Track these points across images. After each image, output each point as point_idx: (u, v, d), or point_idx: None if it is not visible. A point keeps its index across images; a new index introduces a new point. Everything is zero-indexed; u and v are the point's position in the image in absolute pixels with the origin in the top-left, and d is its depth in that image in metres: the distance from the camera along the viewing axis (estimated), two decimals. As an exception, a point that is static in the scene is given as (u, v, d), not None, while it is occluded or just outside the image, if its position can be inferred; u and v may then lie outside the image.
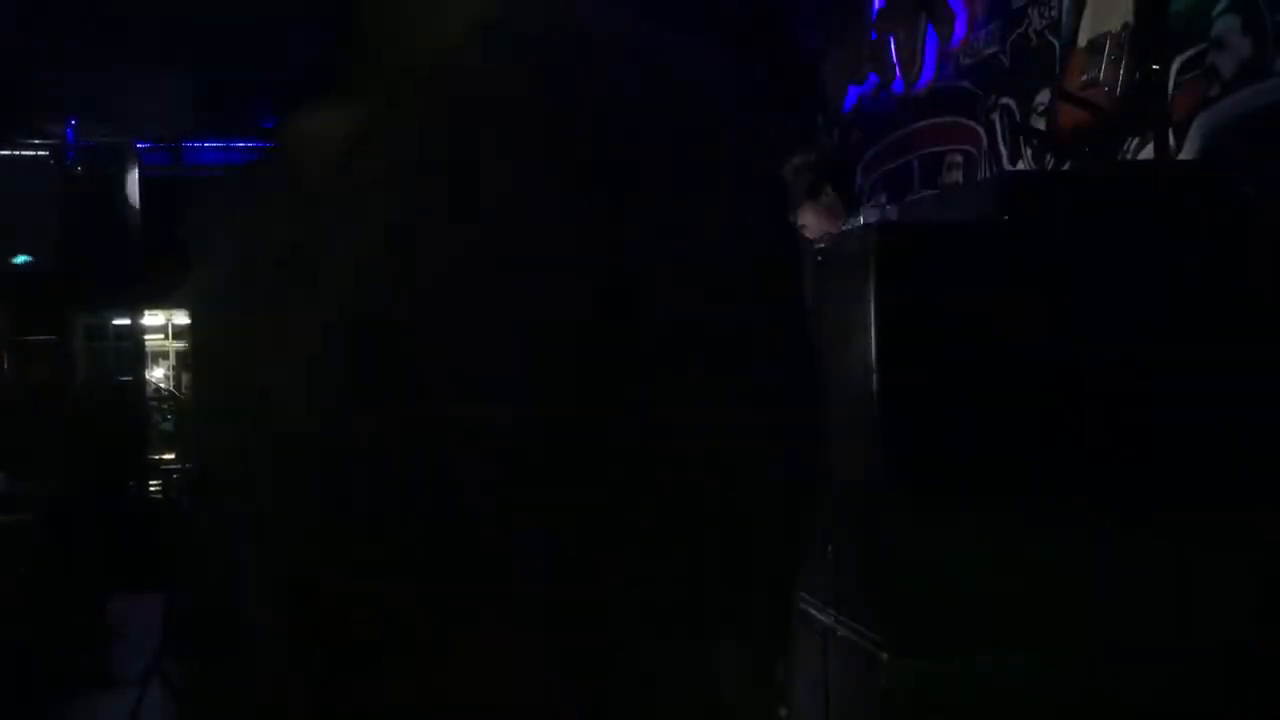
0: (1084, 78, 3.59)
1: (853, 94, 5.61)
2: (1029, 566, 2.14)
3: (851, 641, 2.26)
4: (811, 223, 3.70)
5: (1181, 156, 3.43)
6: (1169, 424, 2.19)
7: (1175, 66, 3.47)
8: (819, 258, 2.45)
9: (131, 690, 4.27)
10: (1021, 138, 4.25)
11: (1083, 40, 3.70)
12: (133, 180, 7.53)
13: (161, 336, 16.86)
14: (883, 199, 5.39)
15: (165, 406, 8.13)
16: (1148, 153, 3.54)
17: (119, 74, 6.89)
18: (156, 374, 15.16)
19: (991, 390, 2.15)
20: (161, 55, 6.92)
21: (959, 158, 4.76)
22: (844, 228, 3.63)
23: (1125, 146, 3.64)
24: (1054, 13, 4.10)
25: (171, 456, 7.35)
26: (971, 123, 4.65)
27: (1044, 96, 4.06)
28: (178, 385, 15.10)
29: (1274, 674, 2.17)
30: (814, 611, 2.48)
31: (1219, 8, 3.32)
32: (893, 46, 5.14)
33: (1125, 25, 3.47)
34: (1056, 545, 2.14)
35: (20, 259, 7.13)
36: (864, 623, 2.21)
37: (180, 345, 17.74)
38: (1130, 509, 2.16)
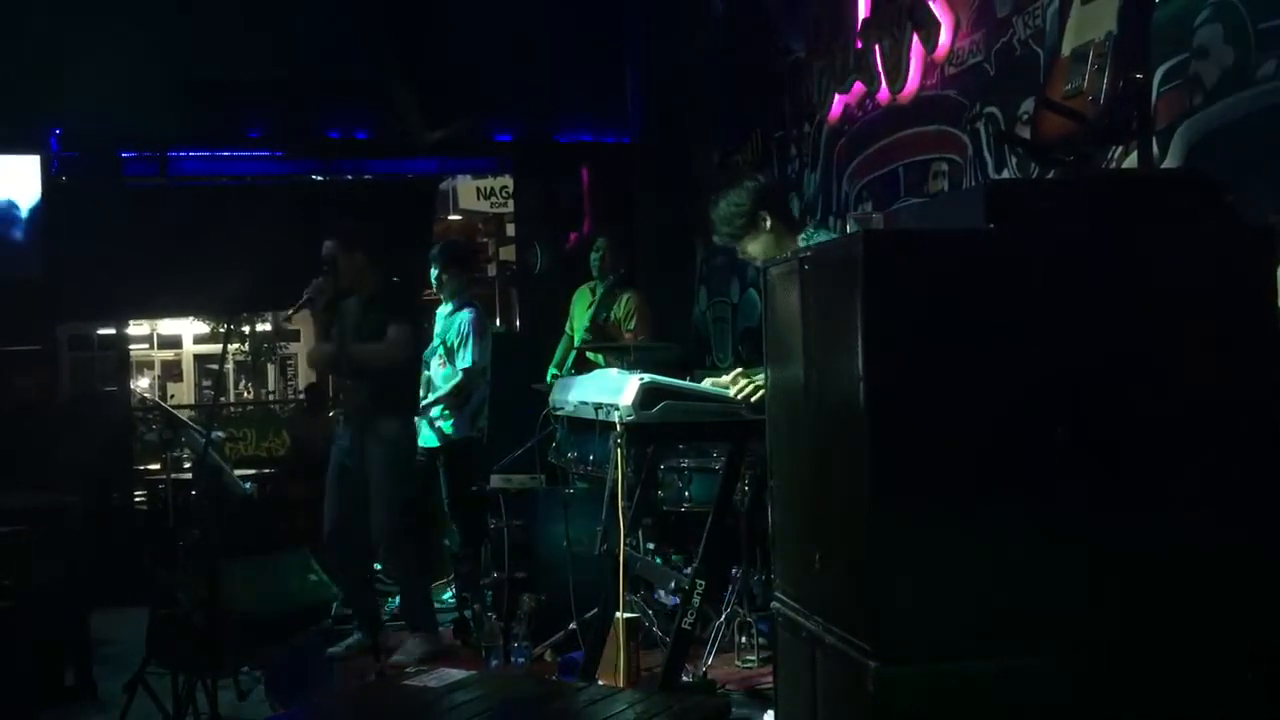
0: (1068, 86, 3.60)
1: (838, 102, 5.63)
2: (1017, 574, 2.14)
3: (840, 649, 2.26)
4: (756, 252, 3.73)
5: (1165, 164, 3.45)
6: (1156, 429, 2.19)
7: (1158, 75, 3.49)
8: (805, 267, 2.45)
9: (115, 704, 4.24)
10: (1006, 146, 4.27)
11: (1067, 49, 3.72)
12: (117, 190, 7.49)
13: (146, 346, 16.79)
14: (869, 207, 5.41)
15: (150, 416, 8.07)
16: (1131, 161, 3.56)
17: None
18: (141, 384, 15.08)
19: (979, 397, 2.15)
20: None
21: (944, 166, 4.78)
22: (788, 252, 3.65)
23: (1109, 154, 3.66)
24: (1038, 22, 4.12)
25: (156, 467, 7.30)
26: (956, 131, 4.67)
27: (1029, 105, 4.08)
28: (162, 395, 15.01)
29: (1264, 677, 2.17)
30: (802, 619, 2.48)
31: (1201, 17, 3.34)
32: (878, 55, 5.16)
33: (1109, 34, 3.49)
34: (1044, 552, 2.14)
35: None
36: (852, 630, 2.21)
37: (165, 355, 17.60)
38: (1119, 514, 2.16)
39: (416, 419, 5.56)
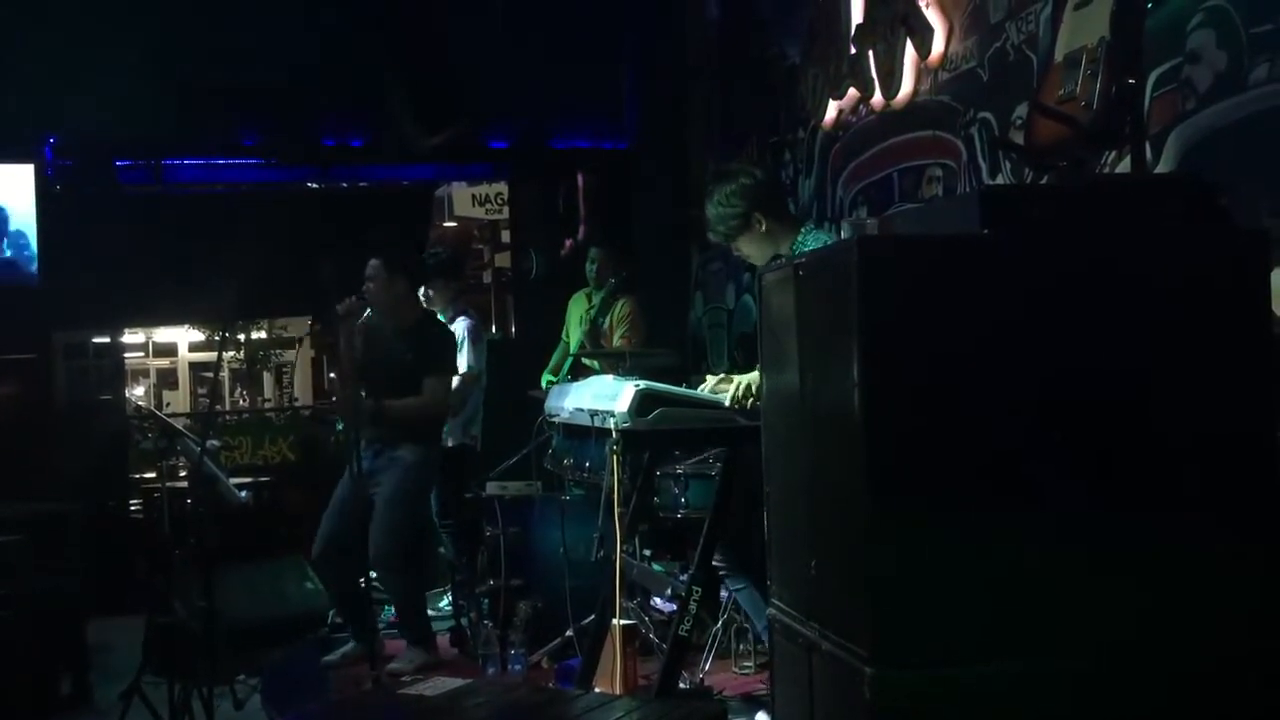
0: (1061, 92, 3.61)
1: (833, 108, 5.63)
2: (1014, 578, 2.14)
3: (836, 655, 2.26)
4: (750, 251, 3.72)
5: (1158, 169, 3.46)
6: (1153, 431, 2.19)
7: (1151, 80, 3.50)
8: (800, 272, 2.45)
9: (111, 712, 4.23)
10: (1000, 151, 4.28)
11: (1060, 55, 3.73)
12: (112, 197, 7.48)
13: (141, 354, 16.76)
14: (863, 212, 5.42)
15: (145, 425, 8.06)
16: (1125, 166, 3.56)
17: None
18: (136, 392, 15.04)
19: (974, 402, 2.15)
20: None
21: (939, 171, 4.78)
22: (782, 252, 3.65)
23: (1103, 159, 3.66)
24: (1031, 27, 4.12)
25: (152, 475, 7.28)
26: (950, 137, 4.67)
27: (1022, 110, 4.09)
28: (157, 403, 14.98)
29: (1264, 685, 2.17)
30: (798, 625, 2.48)
31: (1194, 22, 3.35)
32: (872, 61, 5.17)
33: (1102, 39, 3.50)
34: (1041, 555, 2.14)
35: None
36: (848, 636, 2.21)
37: (161, 362, 17.60)
38: (1114, 520, 2.16)
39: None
